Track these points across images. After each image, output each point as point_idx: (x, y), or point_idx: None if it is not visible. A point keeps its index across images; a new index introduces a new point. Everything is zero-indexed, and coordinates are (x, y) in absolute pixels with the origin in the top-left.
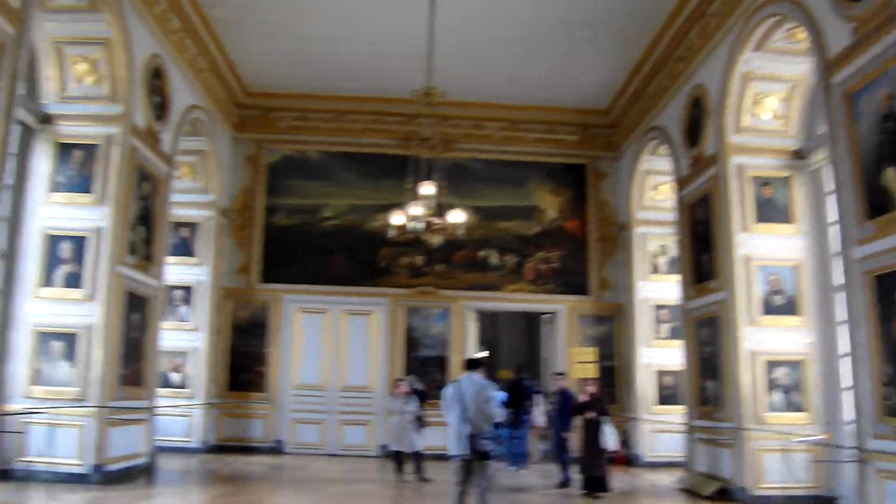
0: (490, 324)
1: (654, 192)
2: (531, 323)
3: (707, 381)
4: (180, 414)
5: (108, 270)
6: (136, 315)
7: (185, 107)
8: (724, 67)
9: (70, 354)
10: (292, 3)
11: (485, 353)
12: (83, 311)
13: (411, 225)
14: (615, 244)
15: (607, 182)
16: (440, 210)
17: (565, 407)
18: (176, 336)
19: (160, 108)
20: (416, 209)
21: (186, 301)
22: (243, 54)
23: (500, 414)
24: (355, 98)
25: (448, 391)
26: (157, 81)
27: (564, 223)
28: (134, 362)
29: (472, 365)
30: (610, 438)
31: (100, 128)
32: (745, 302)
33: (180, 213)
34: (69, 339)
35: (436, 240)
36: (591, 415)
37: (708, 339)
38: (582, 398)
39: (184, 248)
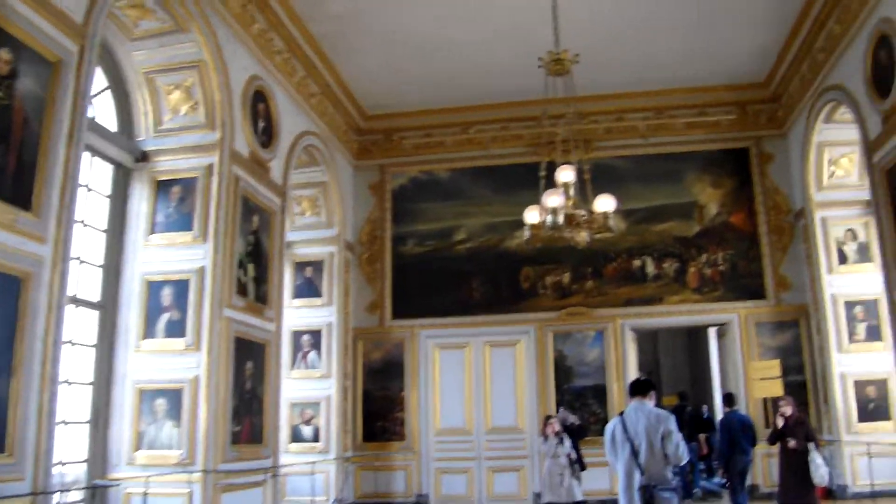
0: (648, 343)
1: (833, 168)
2: (695, 339)
3: None
4: (313, 471)
5: (213, 314)
6: (250, 364)
7: (296, 133)
8: None
9: (175, 412)
10: (400, 12)
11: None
12: (187, 363)
13: (550, 220)
14: (791, 235)
15: (775, 165)
16: (583, 202)
17: (733, 436)
18: (306, 385)
19: (266, 135)
20: (555, 199)
21: (315, 346)
22: (356, 73)
23: (684, 454)
24: (481, 107)
25: (611, 428)
26: (260, 105)
27: (729, 218)
28: (249, 417)
29: (640, 389)
30: (822, 471)
31: (198, 158)
32: None
33: (303, 251)
34: (173, 395)
35: (582, 237)
36: (794, 444)
37: None
38: (779, 422)
39: (309, 289)
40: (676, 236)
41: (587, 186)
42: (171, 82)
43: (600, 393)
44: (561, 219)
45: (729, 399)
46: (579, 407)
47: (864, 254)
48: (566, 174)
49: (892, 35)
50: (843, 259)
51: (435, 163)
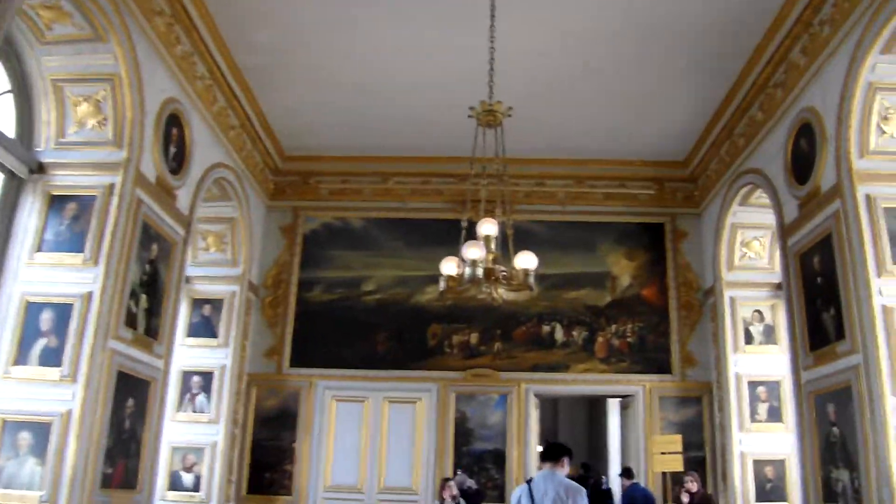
0: (548, 411)
1: (745, 250)
2: (595, 409)
3: (834, 471)
4: None
5: (96, 345)
6: (131, 401)
7: (209, 164)
8: (844, 80)
9: (40, 449)
10: (330, 50)
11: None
12: (60, 395)
13: (468, 272)
14: (700, 313)
15: (688, 242)
16: (503, 260)
17: None
18: (191, 429)
19: (177, 161)
20: (475, 251)
21: (205, 388)
22: (278, 110)
23: None
24: (403, 158)
25: (515, 498)
26: (174, 130)
27: (641, 290)
28: (124, 459)
29: (552, 455)
30: None
31: (99, 176)
32: (889, 365)
33: (203, 288)
34: (40, 429)
35: (499, 294)
36: None
37: (836, 417)
38: (683, 498)
39: (205, 328)
40: (588, 304)
41: (508, 244)
42: (80, 93)
43: (500, 458)
44: (480, 272)
45: (628, 472)
46: (477, 471)
47: (769, 336)
48: (488, 227)
49: (814, 123)
50: (748, 339)
51: (350, 210)
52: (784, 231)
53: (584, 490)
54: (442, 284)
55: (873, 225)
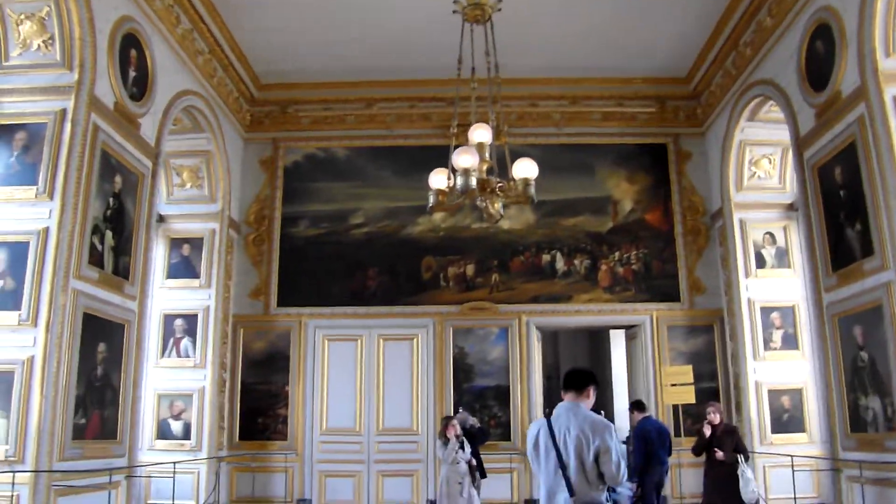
0: (547, 345)
1: (754, 169)
2: (596, 341)
3: (863, 398)
4: (182, 471)
5: (56, 285)
6: (103, 346)
7: (176, 91)
8: None
9: (3, 400)
10: None
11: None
12: (21, 341)
13: (461, 183)
14: (707, 237)
15: (693, 164)
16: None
17: (649, 446)
18: (177, 375)
19: (139, 87)
20: (467, 158)
21: (189, 332)
22: (251, 35)
23: (624, 476)
24: (387, 82)
25: (534, 432)
26: (132, 52)
27: (644, 215)
28: (99, 408)
29: (575, 383)
30: (752, 486)
31: (49, 101)
32: None
33: (180, 226)
34: (2, 379)
35: (496, 208)
36: (722, 455)
37: (864, 340)
38: (706, 430)
39: (185, 269)
40: (589, 232)
41: (505, 154)
42: (22, 10)
43: (502, 395)
44: (473, 182)
45: (640, 406)
46: (479, 409)
47: (782, 259)
48: (481, 133)
49: (832, 23)
50: (760, 263)
51: (333, 139)
52: (799, 143)
53: (612, 426)
54: (431, 199)
55: None
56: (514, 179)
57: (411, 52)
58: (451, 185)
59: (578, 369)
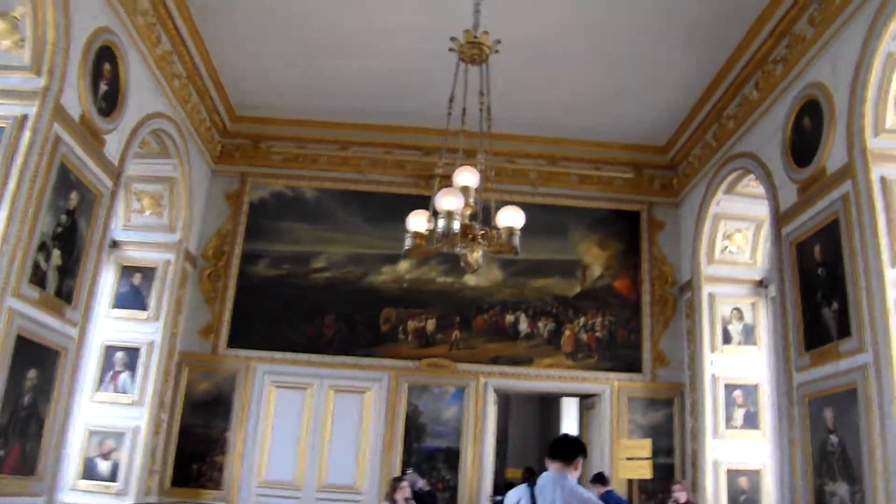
0: (500, 408)
1: (726, 243)
2: (548, 407)
3: (830, 484)
4: None
5: None
6: (33, 373)
7: (147, 112)
8: (861, 51)
9: None
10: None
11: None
12: None
13: (442, 226)
14: (674, 309)
15: (665, 233)
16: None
17: None
18: (111, 412)
19: (109, 102)
20: (451, 200)
21: (130, 366)
22: (230, 64)
23: None
24: (364, 126)
25: (512, 501)
26: (106, 65)
27: (613, 282)
28: (21, 440)
29: (564, 452)
30: None
31: (11, 105)
32: None
33: (134, 254)
34: None
35: (475, 258)
36: None
37: (835, 423)
38: None
39: (134, 300)
40: (556, 294)
41: (489, 204)
42: None
43: (453, 457)
44: (456, 226)
45: (602, 479)
46: (427, 471)
47: (748, 336)
48: (466, 177)
49: (821, 100)
50: (727, 339)
51: (303, 179)
52: (779, 218)
53: (593, 499)
54: (408, 242)
55: (888, 209)
56: (497, 228)
57: (394, 96)
58: (431, 228)
59: (567, 437)
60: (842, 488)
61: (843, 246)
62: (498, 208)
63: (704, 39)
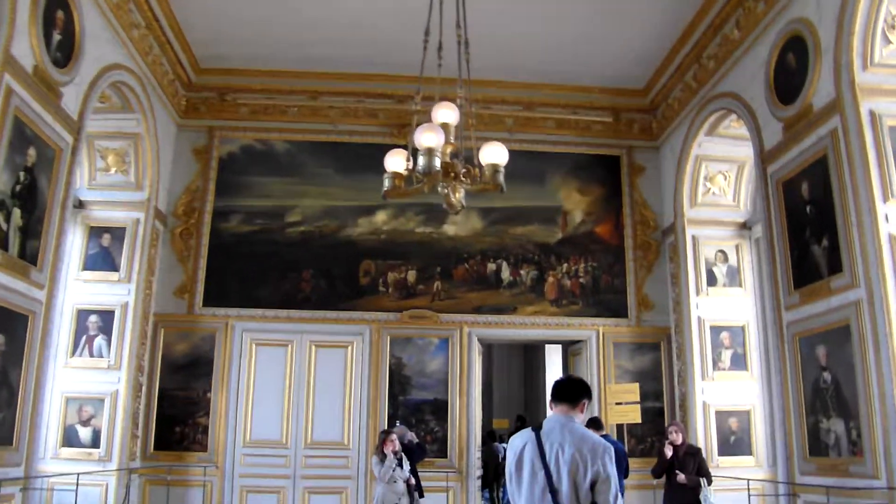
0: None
1: (709, 185)
2: (532, 355)
3: (825, 421)
4: (88, 483)
5: None
6: (1, 339)
7: (105, 63)
8: None
9: None
10: None
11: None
12: None
13: (422, 164)
14: (657, 253)
15: (645, 178)
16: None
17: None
18: (88, 377)
19: (64, 53)
20: (431, 136)
21: (104, 330)
22: (192, 13)
23: None
24: (334, 75)
25: (517, 446)
26: (59, 13)
27: (595, 228)
28: None
29: (568, 394)
30: None
31: None
32: None
33: (101, 214)
34: None
35: (458, 198)
36: (684, 478)
37: (827, 360)
38: (667, 451)
39: (104, 261)
40: (537, 242)
41: (471, 137)
42: None
43: (440, 409)
44: (437, 163)
45: (596, 423)
46: (415, 423)
47: (733, 278)
48: (445, 113)
49: (805, 35)
50: (711, 281)
51: (273, 131)
52: (763, 158)
53: (612, 448)
54: (386, 183)
55: (878, 144)
56: (480, 165)
57: (364, 43)
58: (411, 168)
59: (571, 378)
60: (837, 424)
61: (833, 182)
62: (478, 149)
63: None
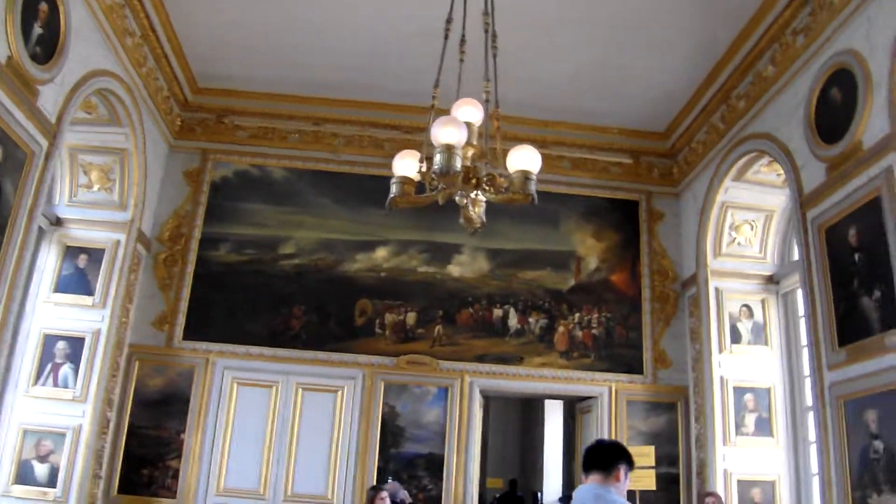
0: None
1: (734, 234)
2: (528, 413)
3: (874, 497)
4: None
5: None
6: None
7: (91, 68)
8: None
9: None
10: None
11: None
12: None
13: (439, 163)
14: (675, 306)
15: (665, 225)
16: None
17: None
18: (50, 408)
19: (44, 48)
20: (451, 131)
21: (73, 358)
22: (194, 26)
23: None
24: (339, 101)
25: None
26: (41, 4)
27: (610, 276)
28: None
29: (602, 460)
30: None
31: None
32: None
33: (79, 233)
34: None
35: (477, 212)
36: None
37: (879, 426)
38: None
39: (79, 283)
40: (548, 288)
41: (497, 141)
42: None
43: (435, 464)
44: (458, 164)
45: None
46: (407, 479)
47: (759, 335)
48: (468, 111)
49: (854, 68)
50: (735, 338)
51: (271, 157)
52: (803, 202)
53: None
54: (393, 189)
55: None
56: (505, 173)
57: (373, 70)
58: (424, 171)
59: (602, 443)
60: (891, 501)
61: (888, 226)
62: (501, 153)
63: (712, 13)
